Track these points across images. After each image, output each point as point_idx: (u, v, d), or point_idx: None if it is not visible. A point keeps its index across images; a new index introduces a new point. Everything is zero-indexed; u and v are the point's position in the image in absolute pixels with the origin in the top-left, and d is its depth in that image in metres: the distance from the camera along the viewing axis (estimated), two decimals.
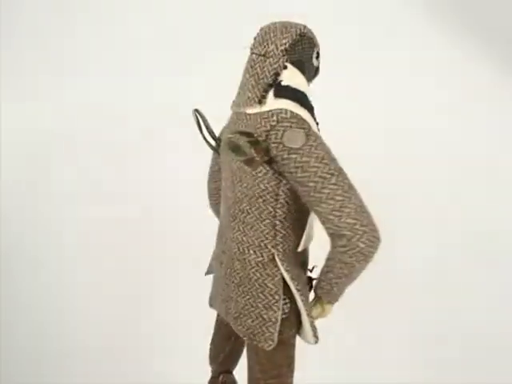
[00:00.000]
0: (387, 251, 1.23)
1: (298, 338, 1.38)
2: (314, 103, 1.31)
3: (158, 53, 2.58)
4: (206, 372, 1.68)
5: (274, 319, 1.26)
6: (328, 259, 1.25)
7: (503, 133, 2.63)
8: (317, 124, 1.31)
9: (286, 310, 1.29)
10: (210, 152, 1.59)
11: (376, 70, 2.54)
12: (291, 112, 1.21)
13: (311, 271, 1.41)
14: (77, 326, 2.70)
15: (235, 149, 1.20)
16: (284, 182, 1.24)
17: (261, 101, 1.25)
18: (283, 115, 1.20)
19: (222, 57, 2.19)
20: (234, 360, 1.62)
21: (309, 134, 1.19)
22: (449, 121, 2.60)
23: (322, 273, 1.28)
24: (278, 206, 1.26)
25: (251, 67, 1.30)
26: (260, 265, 1.28)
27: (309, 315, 1.29)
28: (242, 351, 1.61)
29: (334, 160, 1.19)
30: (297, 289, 1.26)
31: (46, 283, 2.69)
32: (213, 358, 1.61)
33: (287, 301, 1.29)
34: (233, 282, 1.33)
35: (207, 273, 1.59)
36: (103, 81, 2.61)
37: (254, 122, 1.24)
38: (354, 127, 2.45)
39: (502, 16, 2.58)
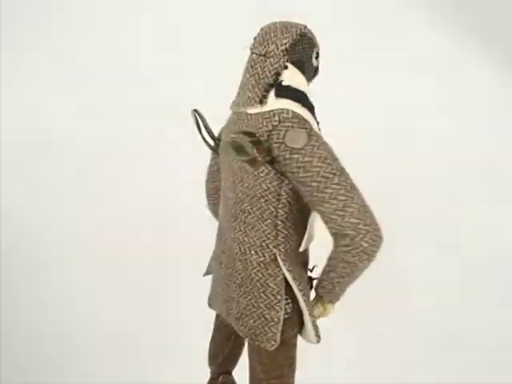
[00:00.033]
0: (388, 251, 1.23)
1: (299, 338, 1.38)
2: (314, 103, 1.31)
3: (158, 53, 2.58)
4: (206, 372, 1.68)
5: (276, 319, 1.26)
6: (330, 258, 1.25)
7: (503, 133, 2.63)
8: (317, 124, 1.31)
9: (289, 310, 1.29)
10: (210, 152, 1.60)
11: (376, 70, 2.54)
12: (293, 112, 1.21)
13: (311, 271, 1.41)
14: (77, 326, 2.70)
15: (238, 149, 1.20)
16: (286, 181, 1.24)
17: (262, 101, 1.25)
18: (285, 115, 1.21)
19: (222, 57, 2.19)
20: (233, 361, 1.62)
21: (310, 133, 1.19)
22: (449, 121, 2.60)
23: (324, 272, 1.28)
24: (280, 205, 1.26)
25: (251, 67, 1.30)
26: (262, 265, 1.28)
27: (311, 315, 1.29)
28: (241, 352, 1.61)
29: (336, 160, 1.19)
30: (299, 288, 1.26)
31: (45, 283, 2.69)
32: (212, 359, 1.61)
33: (289, 301, 1.29)
34: (234, 283, 1.33)
35: (206, 273, 1.59)
36: (103, 81, 2.61)
37: (255, 122, 1.24)
38: (354, 127, 2.45)
39: (501, 16, 2.58)
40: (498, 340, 2.66)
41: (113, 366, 2.64)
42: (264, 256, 1.28)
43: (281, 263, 1.27)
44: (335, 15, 2.52)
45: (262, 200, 1.26)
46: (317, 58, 1.37)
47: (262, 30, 1.33)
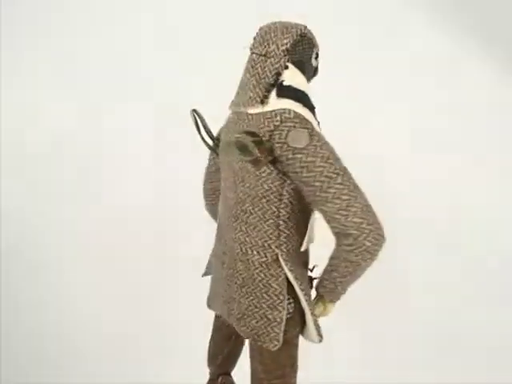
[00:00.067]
0: (388, 251, 1.23)
1: (300, 338, 1.38)
2: (314, 103, 1.31)
3: (158, 53, 2.58)
4: (206, 372, 1.68)
5: (279, 319, 1.26)
6: (332, 258, 1.26)
7: (503, 133, 2.63)
8: (318, 123, 1.31)
9: (291, 310, 1.29)
10: (209, 152, 1.59)
11: (376, 70, 2.53)
12: (294, 112, 1.22)
13: (311, 271, 1.41)
14: (77, 326, 2.70)
15: (242, 148, 1.20)
16: (288, 182, 1.25)
17: (263, 101, 1.25)
18: (287, 115, 1.21)
19: (222, 57, 2.19)
20: (232, 362, 1.61)
21: (312, 133, 1.19)
22: (449, 121, 2.60)
23: (326, 272, 1.28)
24: (282, 206, 1.26)
25: (252, 67, 1.30)
26: (264, 265, 1.28)
27: (313, 314, 1.29)
28: (240, 353, 1.61)
29: (338, 160, 1.20)
30: (301, 288, 1.27)
31: (45, 283, 2.69)
32: (211, 360, 1.61)
33: (291, 300, 1.29)
34: (235, 283, 1.33)
35: (205, 274, 1.59)
36: (103, 81, 2.61)
37: (256, 122, 1.24)
38: (354, 127, 2.45)
39: (502, 16, 2.58)
40: (498, 340, 2.66)
41: (113, 366, 2.64)
42: (266, 256, 1.28)
43: (283, 263, 1.27)
44: (335, 15, 2.52)
45: (264, 200, 1.26)
46: (316, 58, 1.37)
47: (261, 29, 1.33)
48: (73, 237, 2.67)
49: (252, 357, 1.38)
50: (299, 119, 1.21)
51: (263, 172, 1.24)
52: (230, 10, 2.55)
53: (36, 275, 2.68)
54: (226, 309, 1.38)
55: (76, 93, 2.63)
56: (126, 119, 2.62)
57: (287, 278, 1.28)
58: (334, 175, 1.16)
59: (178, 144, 2.47)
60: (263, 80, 1.27)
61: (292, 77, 1.27)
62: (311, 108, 1.28)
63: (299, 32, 1.29)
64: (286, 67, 1.27)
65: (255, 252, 1.29)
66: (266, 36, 1.29)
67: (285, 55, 1.27)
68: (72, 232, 2.67)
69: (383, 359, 2.61)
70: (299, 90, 1.27)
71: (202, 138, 1.46)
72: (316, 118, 1.30)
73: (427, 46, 2.60)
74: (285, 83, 1.26)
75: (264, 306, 1.28)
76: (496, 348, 2.65)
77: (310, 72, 1.36)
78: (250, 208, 1.28)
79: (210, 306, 1.51)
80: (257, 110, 1.26)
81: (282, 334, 1.26)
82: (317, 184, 1.17)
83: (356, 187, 1.18)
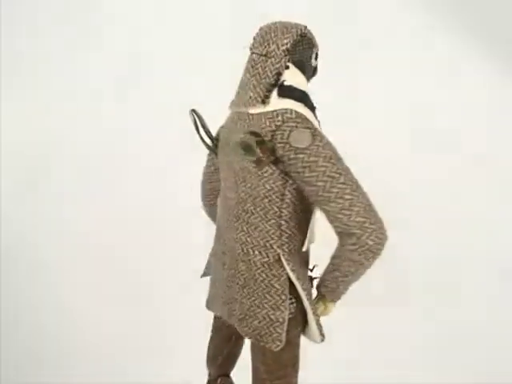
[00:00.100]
0: (388, 250, 1.23)
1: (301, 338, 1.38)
2: (314, 103, 1.31)
3: (158, 53, 2.58)
4: (206, 372, 1.68)
5: (281, 319, 1.26)
6: (334, 257, 1.26)
7: (503, 133, 2.63)
8: (318, 123, 1.31)
9: (293, 310, 1.29)
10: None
11: (376, 70, 2.53)
12: (296, 112, 1.22)
13: (311, 270, 1.41)
14: (77, 325, 2.70)
15: (247, 149, 1.20)
16: (290, 181, 1.25)
17: (264, 101, 1.25)
18: (288, 115, 1.21)
19: (222, 57, 2.19)
20: (231, 362, 1.61)
21: (315, 133, 1.20)
22: (449, 121, 2.60)
23: (328, 271, 1.28)
24: (284, 205, 1.26)
25: (252, 67, 1.30)
26: (266, 265, 1.28)
27: (315, 314, 1.29)
28: (239, 354, 1.61)
29: (340, 159, 1.20)
30: (303, 288, 1.27)
31: (45, 283, 2.69)
32: (211, 361, 1.60)
33: (293, 300, 1.29)
34: (237, 284, 1.33)
35: (204, 275, 1.58)
36: (103, 81, 2.61)
37: (258, 122, 1.24)
38: (354, 127, 2.45)
39: (502, 16, 2.58)
40: (498, 340, 2.66)
41: (113, 366, 2.64)
42: (268, 256, 1.28)
43: (285, 263, 1.27)
44: (335, 15, 2.52)
45: (266, 200, 1.26)
46: (316, 58, 1.37)
47: (261, 29, 1.33)
48: (73, 237, 2.67)
49: (254, 357, 1.38)
50: (301, 119, 1.21)
51: (265, 172, 1.24)
52: (230, 10, 2.55)
53: (36, 275, 2.68)
54: (227, 310, 1.38)
55: (76, 93, 2.63)
56: (125, 119, 2.62)
57: (289, 278, 1.27)
58: (337, 175, 1.17)
59: (177, 144, 2.47)
60: (264, 80, 1.27)
61: (293, 77, 1.27)
62: (312, 108, 1.29)
63: (299, 32, 1.29)
64: (287, 67, 1.27)
65: (257, 252, 1.29)
66: (266, 36, 1.29)
67: (285, 55, 1.27)
68: (72, 232, 2.67)
69: (383, 359, 2.61)
70: (300, 90, 1.27)
71: (201, 138, 1.46)
72: (317, 118, 1.30)
73: (427, 46, 2.60)
74: (286, 83, 1.26)
75: (266, 306, 1.27)
76: (496, 348, 2.65)
77: (309, 72, 1.36)
78: (252, 208, 1.28)
79: (209, 307, 1.51)
80: (258, 109, 1.26)
81: (284, 334, 1.26)
82: (319, 184, 1.17)
83: (358, 187, 1.19)
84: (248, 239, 1.30)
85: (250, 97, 1.27)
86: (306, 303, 1.28)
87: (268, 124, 1.22)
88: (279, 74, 1.26)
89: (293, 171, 1.21)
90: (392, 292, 2.55)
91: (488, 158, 2.63)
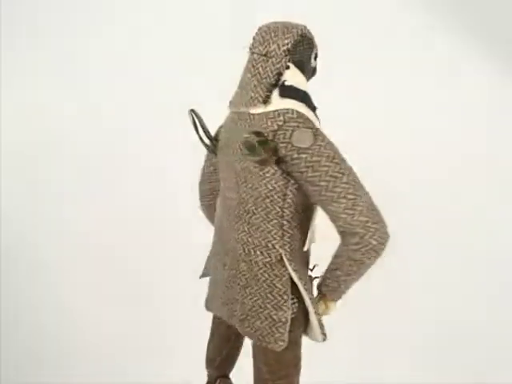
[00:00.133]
0: (388, 250, 1.23)
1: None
2: (314, 103, 1.31)
3: (158, 53, 2.58)
4: (205, 373, 1.68)
5: (284, 319, 1.26)
6: (336, 257, 1.26)
7: (503, 133, 2.63)
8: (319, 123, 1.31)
9: (295, 310, 1.29)
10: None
11: (376, 70, 2.53)
12: (298, 112, 1.22)
13: (311, 270, 1.41)
14: (77, 325, 2.70)
15: (251, 148, 1.20)
16: (292, 181, 1.25)
17: (265, 100, 1.25)
18: (290, 115, 1.21)
19: (222, 57, 2.18)
20: (230, 363, 1.60)
21: (317, 133, 1.20)
22: (449, 121, 2.60)
23: (329, 270, 1.29)
24: (286, 205, 1.26)
25: (253, 67, 1.30)
26: (268, 265, 1.28)
27: (316, 313, 1.29)
28: (238, 354, 1.60)
29: (343, 159, 1.21)
30: (305, 288, 1.27)
31: (45, 283, 2.69)
32: (209, 362, 1.59)
33: (295, 300, 1.28)
34: (238, 284, 1.32)
35: (202, 275, 1.58)
36: (103, 81, 2.61)
37: (259, 122, 1.24)
38: (354, 127, 2.45)
39: (502, 16, 2.58)
40: (498, 340, 2.66)
41: (113, 366, 2.64)
42: (270, 256, 1.27)
43: (287, 263, 1.26)
44: (335, 15, 2.52)
45: (268, 200, 1.26)
46: (315, 58, 1.38)
47: (261, 29, 1.32)
48: (73, 237, 2.67)
49: (255, 358, 1.37)
50: (303, 119, 1.21)
51: (267, 172, 1.23)
52: (230, 10, 2.55)
53: (36, 275, 2.68)
54: (227, 310, 1.37)
55: (76, 93, 2.63)
56: (125, 119, 2.62)
57: (291, 278, 1.27)
58: (340, 174, 1.17)
59: (178, 144, 2.46)
60: (264, 80, 1.27)
61: (293, 77, 1.27)
62: (313, 108, 1.29)
63: (300, 32, 1.29)
64: (288, 67, 1.27)
65: (259, 252, 1.28)
66: (266, 36, 1.29)
67: (286, 55, 1.27)
68: (72, 232, 2.67)
69: (383, 359, 2.61)
70: (301, 90, 1.27)
71: (200, 138, 1.46)
72: (318, 118, 1.30)
73: (427, 46, 2.60)
74: (287, 83, 1.26)
75: (269, 306, 1.27)
76: (496, 348, 2.65)
77: (309, 72, 1.36)
78: (253, 208, 1.28)
79: (208, 307, 1.50)
80: (259, 109, 1.26)
81: (287, 334, 1.26)
82: (322, 184, 1.17)
83: (361, 186, 1.19)
84: (249, 239, 1.30)
85: (251, 97, 1.27)
86: (308, 303, 1.28)
87: (270, 124, 1.22)
88: (280, 74, 1.26)
89: (295, 171, 1.21)
90: (392, 292, 2.55)
91: (488, 158, 2.63)
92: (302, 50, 1.30)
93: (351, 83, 2.47)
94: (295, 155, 1.19)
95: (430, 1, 2.60)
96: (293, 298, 1.28)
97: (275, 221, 1.27)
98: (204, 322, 1.65)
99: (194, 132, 1.45)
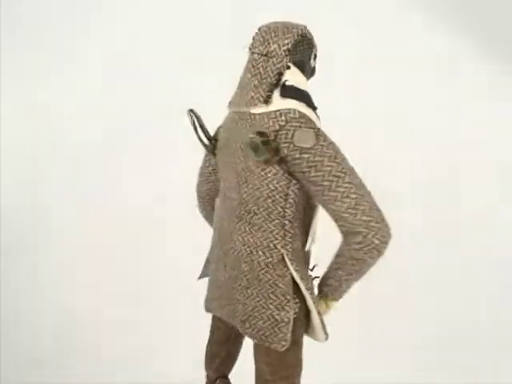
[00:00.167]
0: (388, 250, 1.23)
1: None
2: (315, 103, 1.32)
3: (158, 53, 2.58)
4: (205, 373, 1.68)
5: (286, 319, 1.26)
6: (338, 256, 1.26)
7: (503, 133, 2.63)
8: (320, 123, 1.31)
9: (297, 310, 1.29)
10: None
11: (376, 70, 2.54)
12: (299, 112, 1.22)
13: (312, 270, 1.41)
14: (76, 325, 2.70)
15: (256, 149, 1.20)
16: (294, 181, 1.25)
17: (266, 100, 1.25)
18: (292, 115, 1.21)
19: (222, 57, 2.18)
20: (229, 364, 1.60)
21: (318, 133, 1.20)
22: (449, 121, 2.60)
23: (331, 270, 1.29)
24: (287, 205, 1.26)
25: (253, 67, 1.29)
26: (270, 266, 1.27)
27: (318, 313, 1.29)
28: (237, 355, 1.60)
29: (345, 159, 1.21)
30: (307, 288, 1.27)
31: (45, 283, 2.69)
32: (209, 363, 1.59)
33: (297, 300, 1.28)
34: (239, 285, 1.32)
35: (201, 276, 1.58)
36: (103, 81, 2.61)
37: (260, 122, 1.24)
38: (354, 127, 2.45)
39: (502, 16, 2.58)
40: (498, 340, 2.66)
41: (113, 366, 2.64)
42: (272, 257, 1.27)
43: (288, 263, 1.26)
44: (335, 15, 2.52)
45: (269, 200, 1.26)
46: (315, 58, 1.38)
47: (261, 29, 1.32)
48: (72, 237, 2.67)
49: (257, 358, 1.37)
50: (304, 119, 1.21)
51: (269, 172, 1.23)
52: (230, 10, 2.55)
53: (36, 275, 2.68)
54: (228, 311, 1.37)
55: (76, 93, 2.63)
56: (126, 119, 2.62)
57: (292, 278, 1.27)
58: (342, 174, 1.17)
59: (178, 144, 2.47)
60: (265, 80, 1.27)
61: (294, 77, 1.27)
62: (314, 108, 1.29)
63: (300, 32, 1.29)
64: (288, 67, 1.27)
65: (260, 252, 1.28)
66: (266, 36, 1.29)
67: (286, 55, 1.27)
68: (72, 232, 2.67)
69: (383, 359, 2.61)
70: (302, 90, 1.27)
71: (199, 138, 1.46)
72: (319, 118, 1.30)
73: (427, 45, 2.60)
74: (288, 83, 1.26)
75: (271, 306, 1.27)
76: (496, 348, 2.65)
77: (308, 72, 1.36)
78: (255, 208, 1.28)
79: (208, 308, 1.50)
80: (260, 109, 1.25)
81: (289, 335, 1.26)
82: (325, 183, 1.17)
83: (363, 186, 1.20)
84: (251, 240, 1.29)
85: (252, 97, 1.27)
86: (310, 302, 1.28)
87: (271, 124, 1.22)
88: (280, 74, 1.26)
89: (297, 171, 1.21)
90: (392, 292, 2.55)
91: (488, 157, 2.63)
92: (302, 49, 1.30)
93: (351, 83, 2.47)
94: (297, 155, 1.19)
95: (429, 1, 2.60)
96: (295, 298, 1.28)
97: (277, 221, 1.27)
98: (204, 322, 1.65)
99: (193, 132, 1.45)
